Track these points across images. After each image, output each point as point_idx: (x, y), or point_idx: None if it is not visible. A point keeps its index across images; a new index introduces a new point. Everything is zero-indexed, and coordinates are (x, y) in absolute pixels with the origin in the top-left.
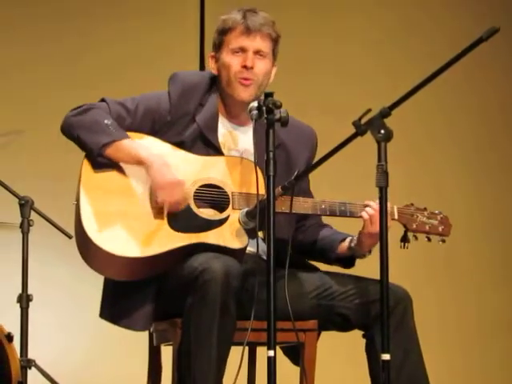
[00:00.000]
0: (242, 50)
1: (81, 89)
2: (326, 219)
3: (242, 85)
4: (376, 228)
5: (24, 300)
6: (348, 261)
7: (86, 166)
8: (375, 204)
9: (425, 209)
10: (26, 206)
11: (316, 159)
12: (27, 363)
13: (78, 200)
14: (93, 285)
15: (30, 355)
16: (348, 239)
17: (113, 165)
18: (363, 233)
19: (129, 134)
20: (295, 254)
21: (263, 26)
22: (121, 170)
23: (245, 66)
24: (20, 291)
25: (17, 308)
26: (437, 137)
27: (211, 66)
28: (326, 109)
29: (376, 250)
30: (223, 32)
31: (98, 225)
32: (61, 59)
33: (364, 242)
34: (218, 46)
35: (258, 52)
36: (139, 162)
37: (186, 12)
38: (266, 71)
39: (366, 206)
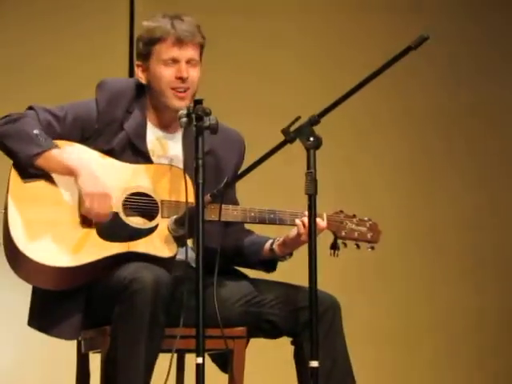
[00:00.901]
0: (174, 60)
1: (11, 98)
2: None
3: (177, 97)
4: (306, 238)
5: None
6: (270, 264)
7: (14, 175)
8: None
9: (354, 216)
10: None
11: (246, 164)
12: None
13: (5, 209)
14: (20, 292)
15: None
16: (270, 241)
17: (42, 174)
18: (292, 238)
19: (58, 141)
20: (222, 260)
21: (193, 34)
22: (50, 179)
23: (180, 78)
24: None
25: None
26: (368, 144)
27: (139, 75)
28: (258, 112)
29: (305, 257)
30: (151, 42)
31: (27, 234)
32: None
33: (289, 246)
34: (146, 56)
35: (189, 61)
36: (69, 172)
37: (114, 18)
38: (198, 78)
39: (296, 214)
